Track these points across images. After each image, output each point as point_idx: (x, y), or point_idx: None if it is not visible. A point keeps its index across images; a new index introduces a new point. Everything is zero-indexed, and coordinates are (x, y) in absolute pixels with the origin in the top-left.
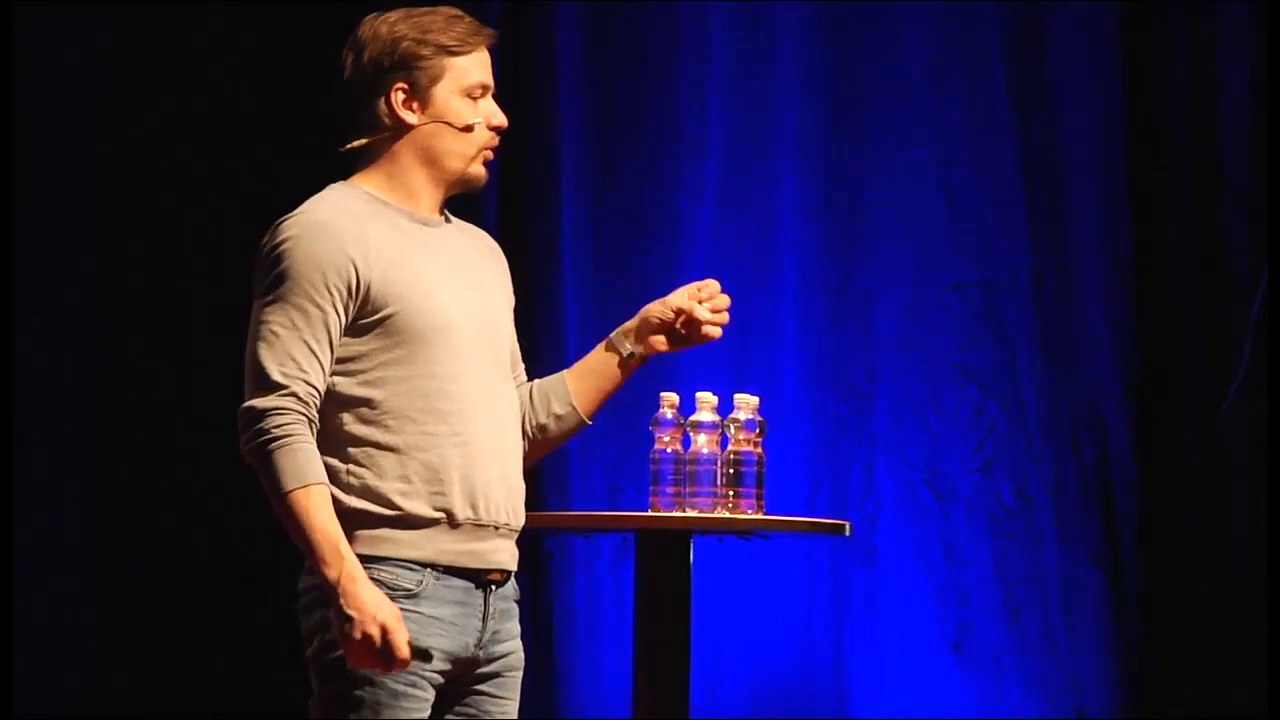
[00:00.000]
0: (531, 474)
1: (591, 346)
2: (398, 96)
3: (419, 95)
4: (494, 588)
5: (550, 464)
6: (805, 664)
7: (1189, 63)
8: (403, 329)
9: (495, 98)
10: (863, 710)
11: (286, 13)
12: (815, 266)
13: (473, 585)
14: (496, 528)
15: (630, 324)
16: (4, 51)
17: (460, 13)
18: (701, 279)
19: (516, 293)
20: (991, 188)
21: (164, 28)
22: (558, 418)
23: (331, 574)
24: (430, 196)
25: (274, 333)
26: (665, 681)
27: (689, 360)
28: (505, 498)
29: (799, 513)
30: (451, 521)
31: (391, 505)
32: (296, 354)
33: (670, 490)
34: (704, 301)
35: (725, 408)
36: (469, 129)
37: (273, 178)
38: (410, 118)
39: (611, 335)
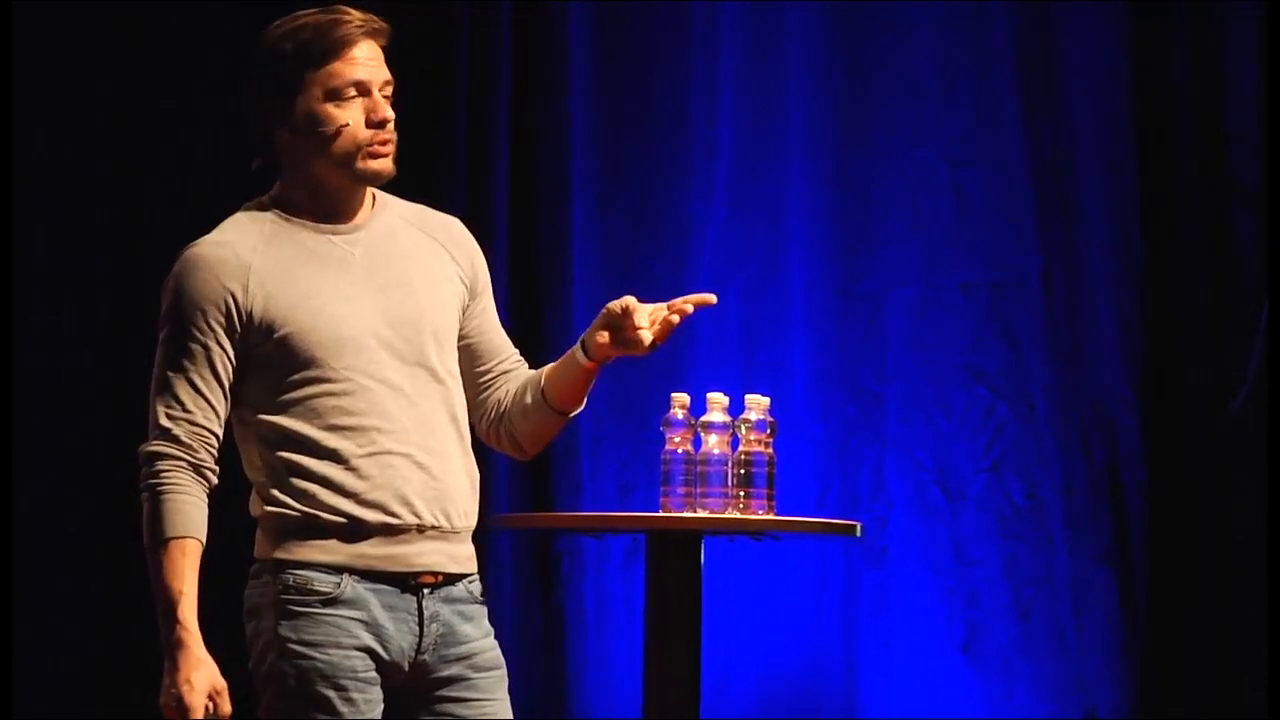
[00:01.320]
0: (542, 474)
1: None
2: (270, 116)
3: (285, 111)
4: (427, 591)
5: (561, 464)
6: (815, 664)
7: (1197, 63)
8: (293, 351)
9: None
10: (872, 710)
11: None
12: (824, 267)
13: (398, 589)
14: (421, 530)
15: (595, 320)
16: (4, 52)
17: (336, 12)
18: (710, 279)
19: (526, 293)
20: (1000, 188)
21: (164, 28)
22: (525, 408)
23: (164, 635)
24: (342, 200)
25: (163, 375)
26: (675, 682)
27: (700, 361)
28: (433, 499)
29: (809, 513)
30: (362, 528)
31: (305, 514)
32: (182, 395)
33: (681, 491)
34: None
35: (736, 408)
36: (338, 132)
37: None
38: (282, 135)
39: (583, 340)
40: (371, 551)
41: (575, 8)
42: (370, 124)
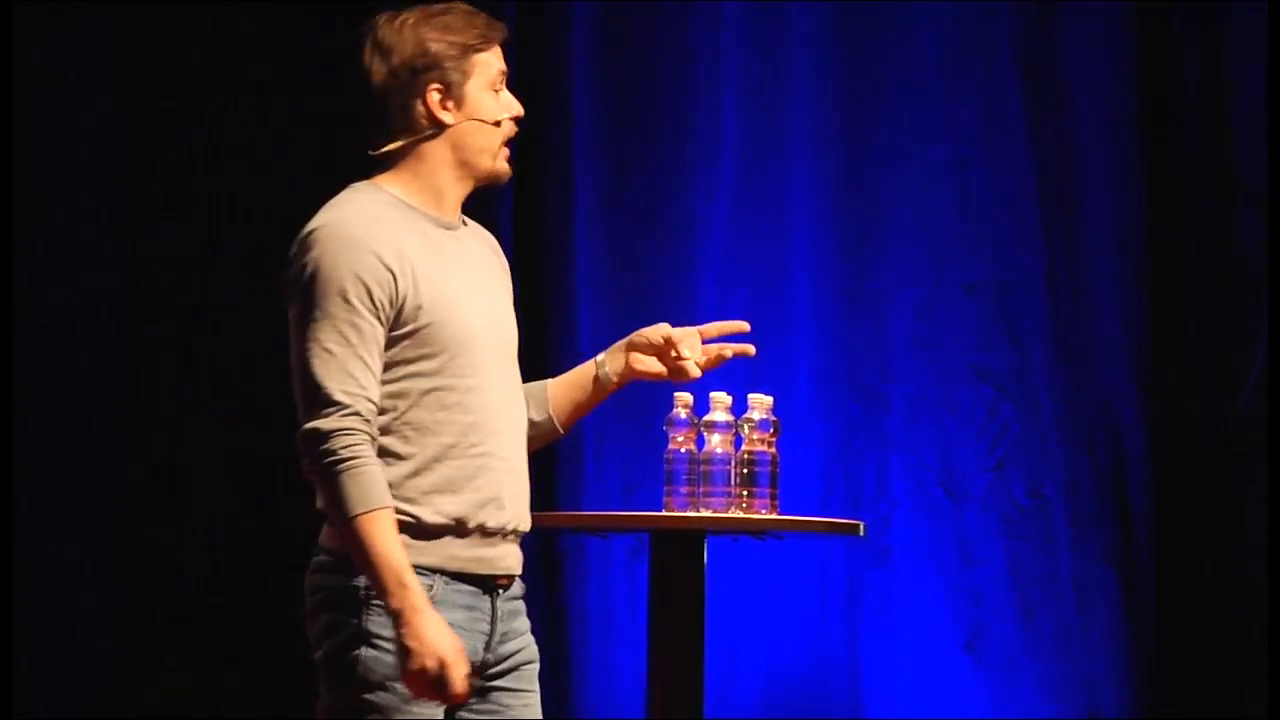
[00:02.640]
0: (546, 474)
1: (605, 347)
2: (434, 97)
3: (454, 94)
4: (500, 591)
5: (565, 464)
6: (819, 664)
7: (1202, 63)
8: (431, 341)
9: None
10: (876, 710)
11: (290, 13)
12: (829, 266)
13: (480, 590)
14: (504, 534)
15: (618, 343)
16: (4, 52)
17: (472, 8)
18: (716, 279)
19: (531, 294)
20: (1005, 188)
21: (166, 27)
22: (533, 423)
23: (394, 603)
24: (455, 197)
25: (328, 350)
26: (679, 681)
27: None
28: (516, 505)
29: (813, 513)
30: (461, 530)
31: (403, 513)
32: (355, 371)
33: (684, 490)
34: (706, 341)
35: (739, 407)
36: (498, 124)
37: (275, 178)
38: (447, 117)
39: (603, 353)
40: (464, 553)
41: (580, 7)
42: (511, 118)
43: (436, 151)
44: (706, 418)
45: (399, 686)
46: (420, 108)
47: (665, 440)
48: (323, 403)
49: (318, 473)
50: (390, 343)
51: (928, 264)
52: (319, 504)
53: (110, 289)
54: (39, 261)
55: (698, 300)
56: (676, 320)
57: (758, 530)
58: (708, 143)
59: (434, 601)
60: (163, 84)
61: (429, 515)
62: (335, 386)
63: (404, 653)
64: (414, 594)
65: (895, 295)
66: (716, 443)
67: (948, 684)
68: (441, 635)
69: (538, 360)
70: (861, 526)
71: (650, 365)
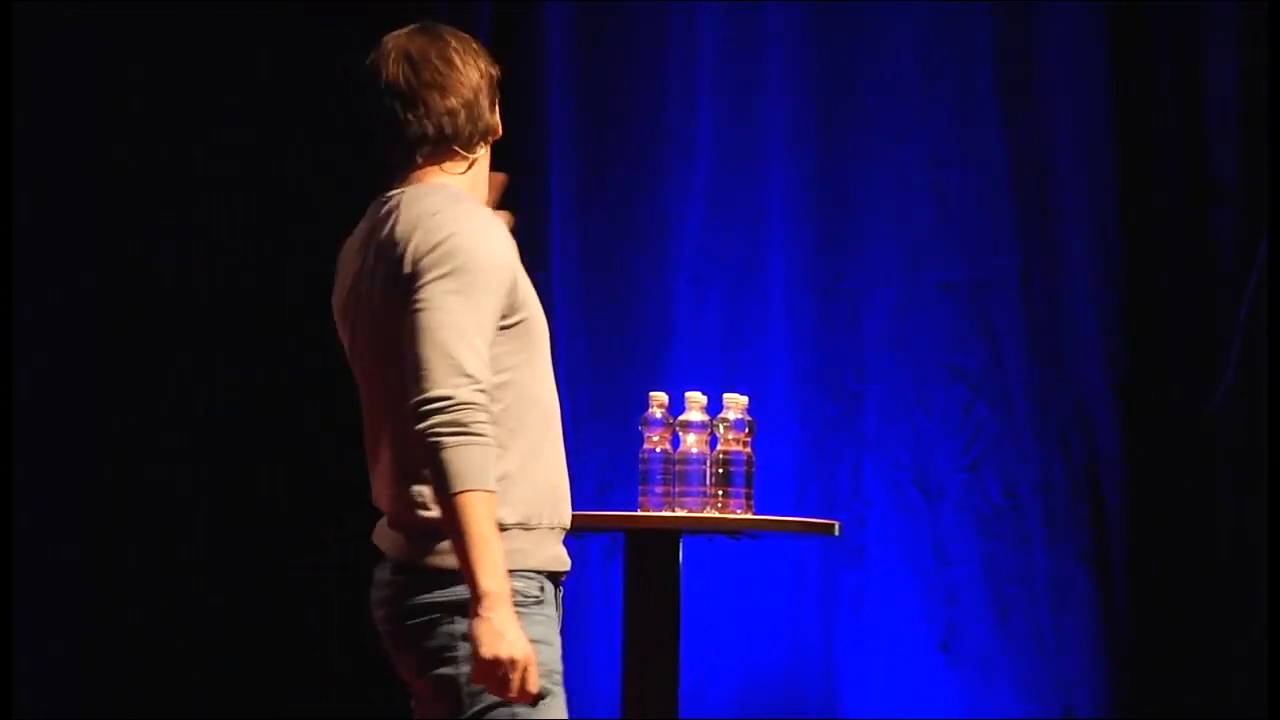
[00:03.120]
0: None
1: (580, 347)
2: (457, 110)
3: (480, 109)
4: (562, 589)
5: None
6: (794, 664)
7: (1176, 63)
8: (528, 334)
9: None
10: (852, 710)
11: (293, 14)
12: (804, 266)
13: (555, 588)
14: (566, 530)
15: None
16: (4, 52)
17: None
18: (690, 278)
19: None
20: (980, 187)
21: (167, 26)
22: None
23: (491, 585)
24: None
25: (461, 324)
26: (654, 681)
27: (679, 360)
28: (567, 495)
29: (788, 512)
30: (555, 530)
31: (516, 511)
32: (481, 350)
33: (659, 490)
34: None
35: (714, 407)
36: (498, 140)
37: (276, 179)
38: (464, 134)
39: None
40: (554, 552)
41: (554, 8)
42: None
43: (481, 162)
44: (682, 417)
45: (546, 685)
46: (491, 121)
47: (640, 440)
48: (457, 371)
49: (440, 438)
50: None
51: (903, 264)
52: (425, 471)
53: (111, 289)
54: (38, 261)
55: (672, 299)
56: (653, 322)
57: (733, 530)
58: (683, 142)
59: (545, 601)
60: (166, 82)
61: (535, 516)
62: (469, 358)
63: (487, 638)
64: (506, 583)
65: (870, 295)
66: (692, 442)
67: (923, 684)
68: (522, 634)
69: None
70: (837, 526)
71: None
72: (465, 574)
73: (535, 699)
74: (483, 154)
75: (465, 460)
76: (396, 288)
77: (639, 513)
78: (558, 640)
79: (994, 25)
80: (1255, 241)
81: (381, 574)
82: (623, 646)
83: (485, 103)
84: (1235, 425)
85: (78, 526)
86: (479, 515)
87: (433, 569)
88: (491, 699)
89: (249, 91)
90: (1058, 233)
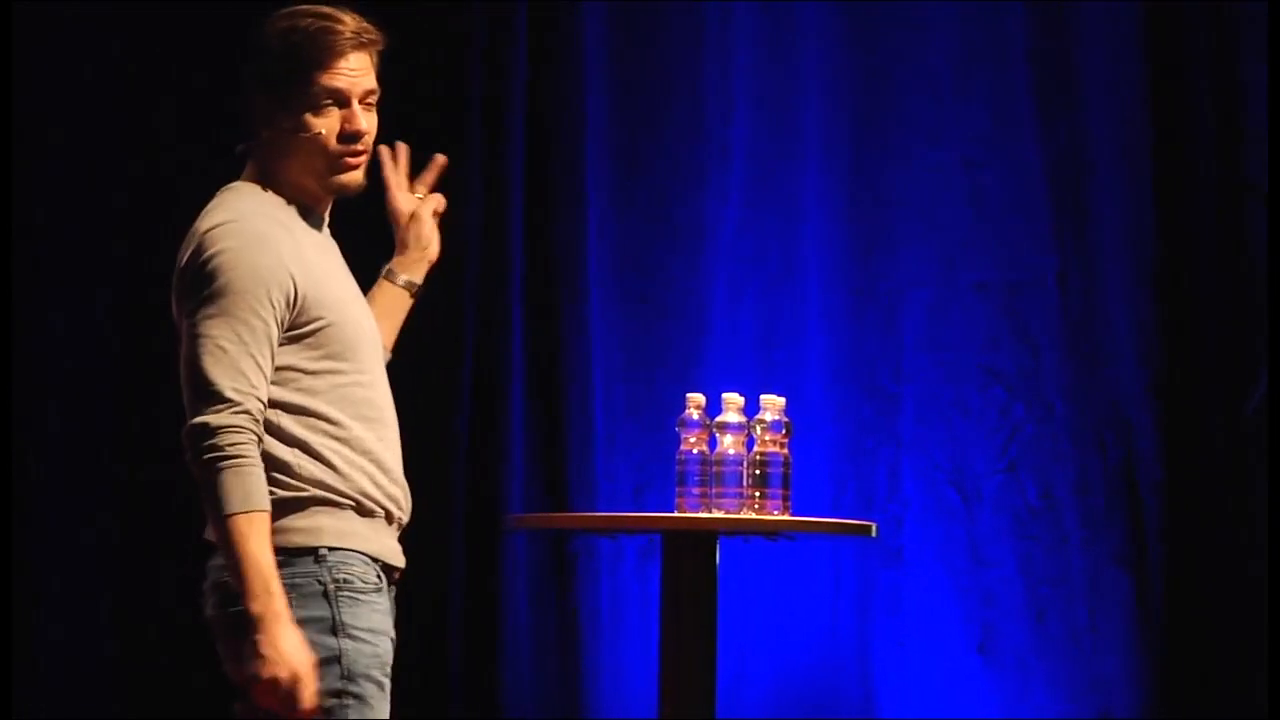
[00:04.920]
0: (557, 474)
1: (616, 347)
2: (256, 110)
3: (269, 109)
4: (395, 587)
5: (576, 465)
6: (830, 665)
7: (1212, 64)
8: (333, 339)
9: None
10: (888, 711)
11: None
12: (840, 267)
13: (389, 584)
14: (402, 525)
15: (398, 258)
16: (4, 51)
17: (330, 19)
18: (726, 279)
19: (541, 294)
20: (1016, 188)
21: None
22: None
23: (257, 607)
24: (317, 201)
25: (220, 347)
26: (690, 682)
27: (715, 361)
28: (409, 498)
29: (824, 513)
30: (389, 519)
31: (349, 496)
32: (246, 369)
33: (696, 491)
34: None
35: (751, 409)
36: (312, 141)
37: None
38: (264, 131)
39: (387, 270)
40: (389, 544)
41: (591, 8)
42: (343, 136)
43: (280, 161)
44: (719, 419)
45: (379, 677)
46: (259, 117)
47: (677, 441)
48: (213, 398)
49: (201, 467)
50: (291, 340)
51: (939, 265)
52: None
53: (112, 288)
54: (40, 260)
55: (708, 301)
56: (689, 323)
57: (770, 531)
58: (719, 143)
59: (381, 590)
60: (168, 82)
61: (367, 501)
62: (226, 383)
63: (258, 660)
64: (277, 601)
65: (907, 296)
66: (729, 444)
67: (959, 685)
68: (298, 649)
69: (546, 361)
70: (873, 527)
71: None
72: (237, 589)
73: (319, 711)
74: (276, 150)
75: (225, 486)
76: (176, 305)
77: (676, 514)
78: (392, 632)
79: (1029, 25)
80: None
81: (212, 561)
82: (659, 647)
83: (254, 98)
84: (1271, 425)
85: (87, 527)
86: (241, 537)
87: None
88: (324, 687)
89: None
90: (1093, 233)
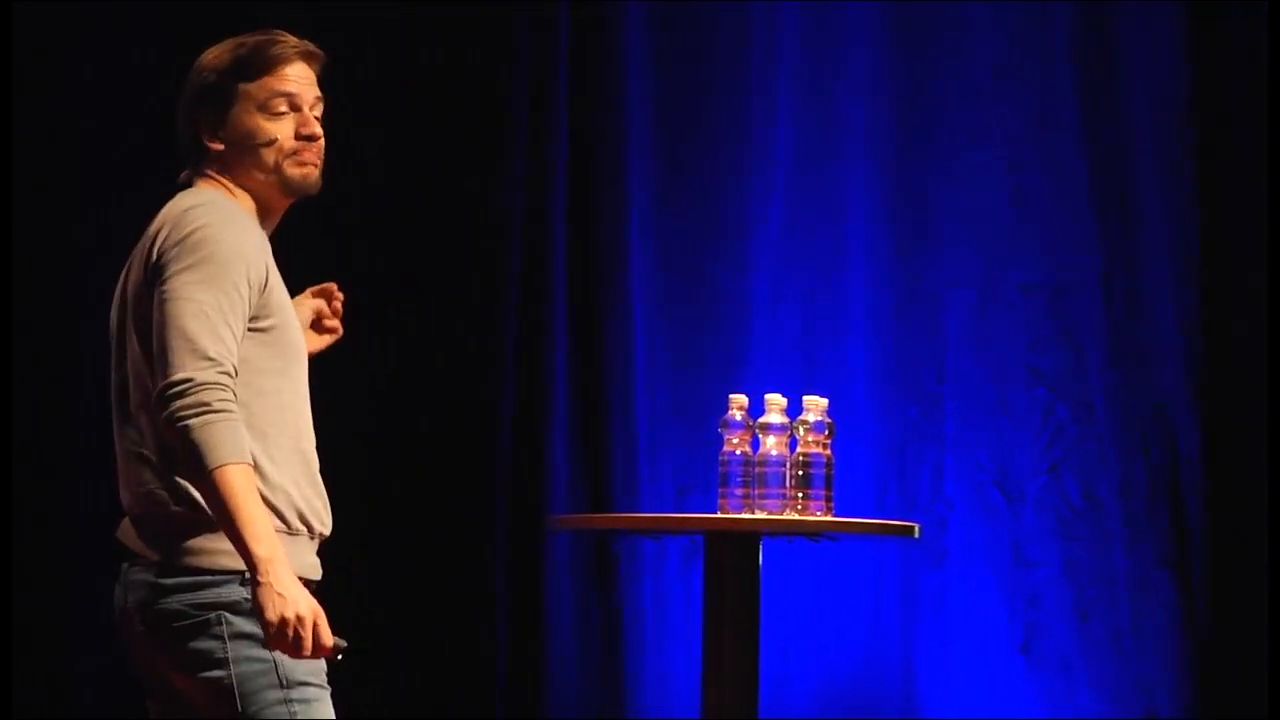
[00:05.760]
0: (600, 476)
1: (659, 347)
2: (204, 128)
3: (219, 123)
4: None
5: (619, 466)
6: (874, 665)
7: (1256, 64)
8: (281, 344)
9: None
10: (931, 711)
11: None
12: (883, 268)
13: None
14: (324, 539)
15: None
16: (4, 51)
17: (271, 33)
18: (770, 280)
19: (585, 295)
20: (1059, 189)
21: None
22: None
23: (262, 550)
24: (271, 210)
25: (205, 311)
26: (734, 683)
27: (758, 362)
28: (328, 509)
29: (868, 514)
30: (311, 535)
31: (287, 515)
32: (225, 335)
33: (739, 492)
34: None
35: (794, 409)
36: (268, 144)
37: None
38: (215, 145)
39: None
40: (310, 560)
41: (634, 8)
42: (299, 137)
43: (237, 173)
44: (762, 420)
45: (315, 681)
46: (193, 139)
47: (720, 442)
48: (199, 354)
49: (186, 420)
50: (249, 332)
51: (982, 265)
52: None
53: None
54: (36, 260)
55: (752, 301)
56: (732, 324)
57: (813, 532)
58: (763, 143)
59: None
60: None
61: (294, 519)
62: (210, 343)
63: (270, 602)
64: (279, 547)
65: (950, 296)
66: (772, 444)
67: (1003, 685)
68: (304, 591)
69: (591, 360)
70: (917, 528)
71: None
72: (236, 546)
73: (335, 651)
74: (222, 161)
75: (214, 436)
76: (146, 284)
77: (719, 515)
78: None
79: (1072, 26)
80: None
81: (135, 575)
82: (702, 648)
83: (189, 121)
84: (1272, 426)
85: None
86: (237, 486)
87: (193, 568)
88: (268, 698)
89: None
90: (1137, 234)
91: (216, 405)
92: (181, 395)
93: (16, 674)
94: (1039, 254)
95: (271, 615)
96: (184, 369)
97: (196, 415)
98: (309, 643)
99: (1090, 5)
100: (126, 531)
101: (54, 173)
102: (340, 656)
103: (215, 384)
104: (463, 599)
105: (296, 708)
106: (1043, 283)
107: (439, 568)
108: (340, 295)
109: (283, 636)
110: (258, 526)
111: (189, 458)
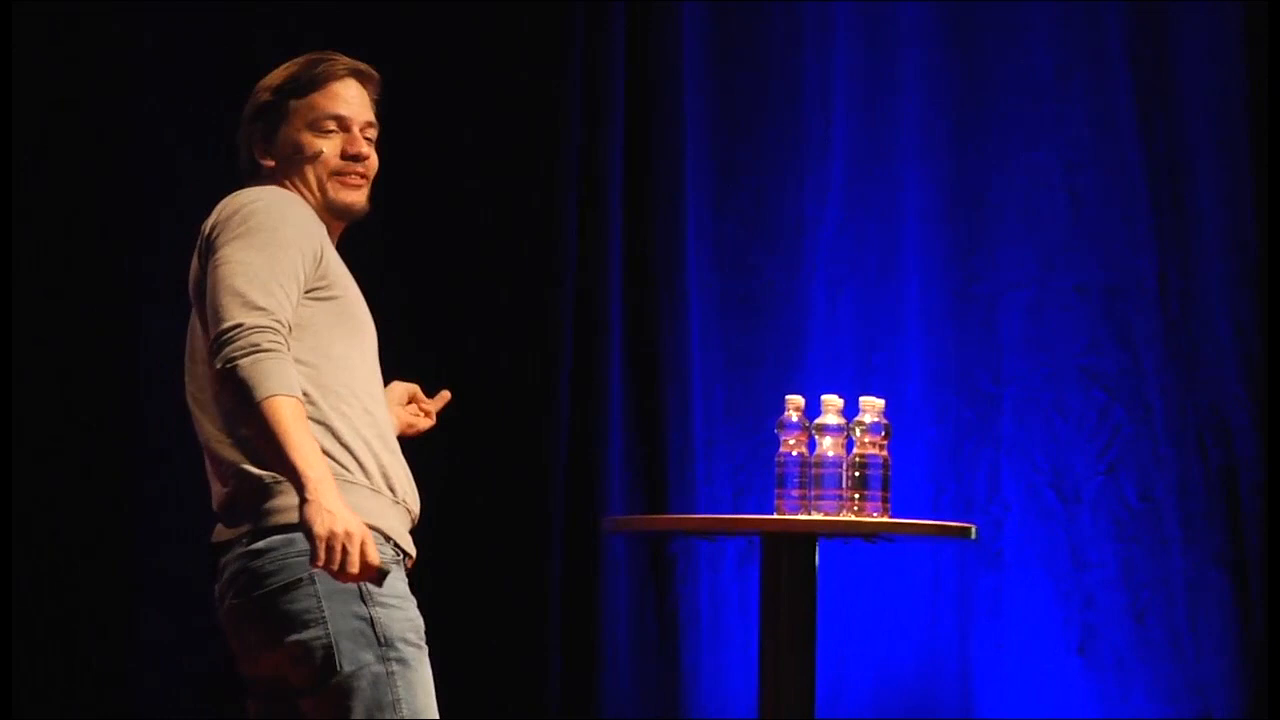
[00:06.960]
0: (656, 477)
1: (715, 348)
2: (257, 145)
3: (270, 139)
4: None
5: (675, 467)
6: (930, 666)
7: None
8: (346, 314)
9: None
10: (987, 712)
11: (299, 14)
12: (939, 269)
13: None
14: (410, 513)
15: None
16: (4, 50)
17: (326, 54)
18: (825, 281)
19: (640, 296)
20: (1115, 190)
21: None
22: None
23: (311, 471)
24: (329, 231)
25: (254, 271)
26: (790, 683)
27: (814, 363)
28: (415, 490)
29: (924, 515)
30: (395, 497)
31: (363, 469)
32: (275, 292)
33: (795, 493)
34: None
35: (850, 410)
36: (313, 157)
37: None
38: (267, 161)
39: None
40: (400, 528)
41: (690, 9)
42: (344, 156)
43: (288, 187)
44: (818, 421)
45: (414, 638)
46: (249, 154)
47: (776, 443)
48: (248, 306)
49: (236, 360)
50: (313, 299)
51: (1038, 266)
52: (227, 401)
53: (115, 287)
54: (38, 259)
55: (807, 302)
56: (787, 325)
57: (869, 533)
58: (818, 145)
59: (396, 563)
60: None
61: (377, 480)
62: (259, 294)
63: (319, 518)
64: (328, 472)
65: (1005, 297)
66: (828, 446)
67: (1059, 686)
68: (352, 511)
69: (647, 360)
70: (973, 530)
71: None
72: (284, 471)
73: (380, 573)
74: (301, 171)
75: (263, 371)
76: (203, 269)
77: (775, 516)
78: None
79: (1128, 27)
80: None
81: (227, 557)
82: (759, 649)
83: (247, 137)
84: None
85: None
86: (286, 415)
87: (282, 526)
88: (364, 658)
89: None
90: (1193, 234)
91: (265, 345)
92: (232, 340)
93: (16, 674)
94: (1095, 255)
95: (320, 529)
96: (233, 318)
97: (246, 355)
98: (356, 559)
99: (1146, 5)
100: (218, 531)
101: (54, 172)
102: (381, 580)
103: (266, 327)
104: (519, 600)
105: (395, 667)
106: (1098, 283)
107: (496, 569)
108: (426, 401)
109: (331, 552)
110: (306, 450)
111: (238, 396)
